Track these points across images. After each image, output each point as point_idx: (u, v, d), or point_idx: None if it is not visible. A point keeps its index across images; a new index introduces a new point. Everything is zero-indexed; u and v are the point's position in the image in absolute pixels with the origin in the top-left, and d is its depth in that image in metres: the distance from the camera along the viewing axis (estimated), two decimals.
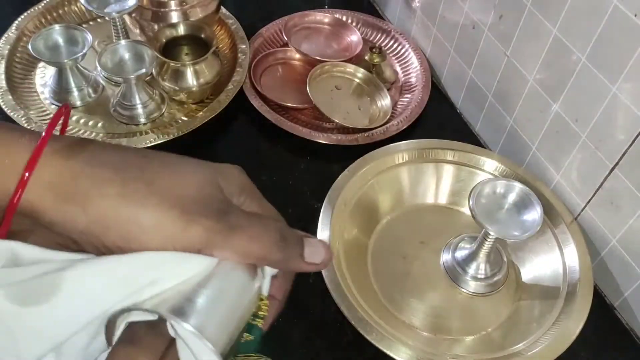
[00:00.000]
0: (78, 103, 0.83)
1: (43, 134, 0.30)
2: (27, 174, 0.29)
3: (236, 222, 0.32)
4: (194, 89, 0.82)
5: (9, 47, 0.85)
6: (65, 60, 0.78)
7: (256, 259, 0.32)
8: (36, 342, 0.28)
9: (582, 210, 0.69)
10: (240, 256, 0.32)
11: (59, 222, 0.30)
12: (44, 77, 0.86)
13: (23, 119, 0.77)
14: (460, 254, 0.69)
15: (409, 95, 0.90)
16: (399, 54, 0.95)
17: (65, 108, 0.34)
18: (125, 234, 0.30)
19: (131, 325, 0.30)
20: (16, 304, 0.28)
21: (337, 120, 0.82)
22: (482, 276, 0.68)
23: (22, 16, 0.88)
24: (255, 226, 0.33)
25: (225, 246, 0.31)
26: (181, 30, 0.82)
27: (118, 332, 0.30)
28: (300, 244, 0.35)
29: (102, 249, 0.30)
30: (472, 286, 0.68)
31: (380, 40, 0.97)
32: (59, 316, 0.28)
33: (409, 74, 0.92)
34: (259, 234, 0.32)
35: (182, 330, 0.29)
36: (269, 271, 0.35)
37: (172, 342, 0.30)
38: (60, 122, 0.35)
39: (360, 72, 0.89)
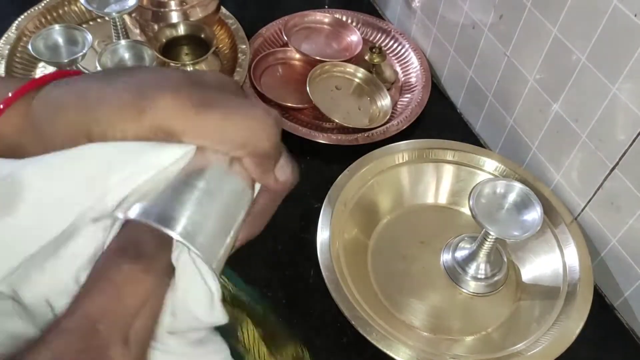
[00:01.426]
0: None
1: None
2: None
3: (209, 100, 0.26)
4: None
5: (9, 47, 0.85)
6: (65, 60, 0.78)
7: (237, 146, 0.27)
8: (6, 255, 0.26)
9: (582, 210, 0.69)
10: (216, 142, 0.27)
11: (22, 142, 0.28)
12: None
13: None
14: (460, 254, 0.69)
15: (409, 95, 0.90)
16: (399, 54, 0.95)
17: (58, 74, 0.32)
18: (82, 132, 0.27)
19: (134, 228, 0.26)
20: None
21: (337, 120, 0.82)
22: (482, 276, 0.68)
23: (22, 16, 0.88)
24: (233, 106, 0.27)
25: (195, 129, 0.26)
26: (181, 30, 0.82)
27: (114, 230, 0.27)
28: (280, 150, 0.30)
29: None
30: (472, 286, 0.68)
31: (380, 40, 0.97)
32: (27, 226, 0.26)
33: (409, 74, 0.92)
34: (242, 113, 0.27)
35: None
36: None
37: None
38: None
39: (360, 72, 0.89)
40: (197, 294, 0.27)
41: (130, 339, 0.25)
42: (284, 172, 0.31)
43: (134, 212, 0.26)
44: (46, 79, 0.29)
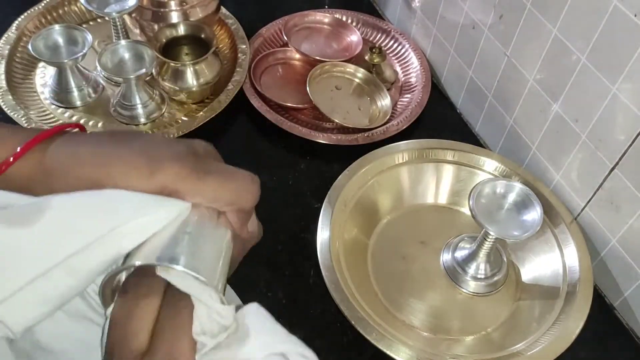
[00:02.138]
0: (78, 103, 0.83)
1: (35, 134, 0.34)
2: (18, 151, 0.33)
3: (207, 168, 0.33)
4: (194, 89, 0.82)
5: (9, 47, 0.85)
6: (65, 60, 0.78)
7: (226, 203, 0.34)
8: (17, 267, 0.28)
9: (582, 210, 0.69)
10: (210, 200, 0.33)
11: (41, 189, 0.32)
12: (44, 77, 0.86)
13: (23, 119, 0.77)
14: (460, 254, 0.69)
15: (409, 95, 0.90)
16: (399, 54, 0.95)
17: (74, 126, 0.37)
18: (94, 184, 0.31)
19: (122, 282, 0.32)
20: (2, 223, 0.29)
21: (337, 120, 0.82)
22: (482, 276, 0.68)
23: (22, 16, 0.88)
24: (226, 172, 0.34)
25: (195, 190, 0.32)
26: (181, 30, 0.83)
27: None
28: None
29: None
30: (472, 286, 0.68)
31: (380, 40, 0.97)
32: (41, 241, 0.29)
33: (409, 74, 0.92)
34: (231, 179, 0.34)
35: (176, 275, 0.30)
36: None
37: (168, 286, 0.31)
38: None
39: (360, 72, 0.89)
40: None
41: (147, 355, 0.29)
42: (253, 226, 0.37)
43: (142, 258, 0.30)
44: (52, 132, 0.34)
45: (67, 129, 0.35)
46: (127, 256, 0.31)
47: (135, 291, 0.31)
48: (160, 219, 0.31)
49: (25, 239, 0.28)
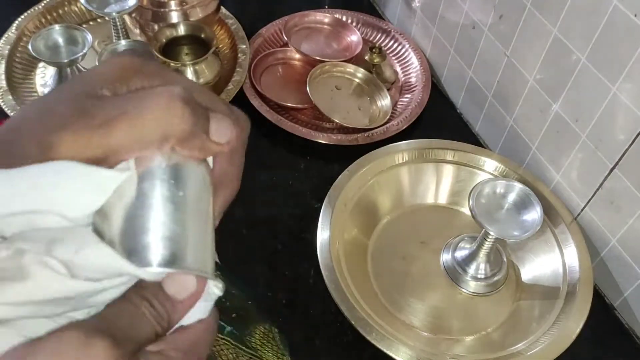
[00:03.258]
0: None
1: None
2: None
3: (108, 111, 0.25)
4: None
5: (9, 47, 0.85)
6: (66, 61, 0.78)
7: (158, 141, 0.25)
8: None
9: (582, 210, 0.69)
10: (137, 148, 0.25)
11: None
12: (44, 77, 0.86)
13: None
14: (460, 254, 0.69)
15: (409, 95, 0.90)
16: (399, 54, 0.95)
17: None
18: None
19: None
20: None
21: (337, 120, 0.82)
22: (482, 276, 0.68)
23: (22, 16, 0.88)
24: (139, 101, 0.25)
25: (108, 147, 0.24)
26: (181, 30, 0.82)
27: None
28: (205, 116, 0.27)
29: None
30: (472, 286, 0.68)
31: (380, 40, 0.97)
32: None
33: (409, 74, 0.92)
34: (143, 111, 0.25)
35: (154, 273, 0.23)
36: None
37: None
38: None
39: (360, 72, 0.89)
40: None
41: None
42: (223, 133, 0.27)
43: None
44: None
45: None
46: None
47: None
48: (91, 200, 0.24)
49: None
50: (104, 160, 0.25)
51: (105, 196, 0.24)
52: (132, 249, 0.23)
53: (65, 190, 0.24)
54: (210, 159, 0.29)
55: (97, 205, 0.24)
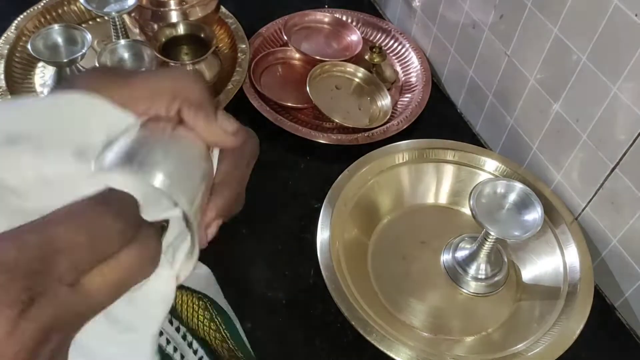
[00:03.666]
0: None
1: None
2: None
3: (128, 73, 0.29)
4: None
5: (8, 46, 0.85)
6: (65, 60, 0.78)
7: (169, 98, 0.28)
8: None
9: (583, 210, 0.69)
10: (148, 102, 0.28)
11: None
12: (43, 76, 0.85)
13: None
14: (461, 254, 0.69)
15: (409, 95, 0.89)
16: (399, 54, 0.95)
17: None
18: None
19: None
20: None
21: (337, 120, 0.82)
22: (483, 276, 0.68)
23: (22, 16, 0.88)
24: (160, 71, 0.29)
25: (124, 97, 0.27)
26: (181, 29, 0.82)
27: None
28: (214, 105, 0.30)
29: None
30: (472, 286, 0.68)
31: (381, 40, 0.97)
32: (40, 208, 0.25)
33: (409, 73, 0.92)
34: (160, 73, 0.29)
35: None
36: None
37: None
38: None
39: (360, 72, 0.89)
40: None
41: (84, 285, 0.24)
42: (230, 124, 0.30)
43: (111, 160, 0.26)
44: None
45: None
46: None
47: (121, 221, 0.25)
48: (97, 127, 0.27)
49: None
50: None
51: (114, 131, 0.27)
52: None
53: (81, 118, 0.27)
54: (215, 161, 0.31)
55: (103, 137, 0.26)
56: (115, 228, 0.24)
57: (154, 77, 0.29)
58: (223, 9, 0.93)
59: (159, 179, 0.26)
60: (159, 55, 0.78)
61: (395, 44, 0.96)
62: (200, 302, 0.44)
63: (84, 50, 0.78)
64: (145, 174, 0.26)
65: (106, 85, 0.27)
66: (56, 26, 0.79)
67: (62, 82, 0.28)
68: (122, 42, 0.78)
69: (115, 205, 0.25)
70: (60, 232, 0.23)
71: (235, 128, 0.31)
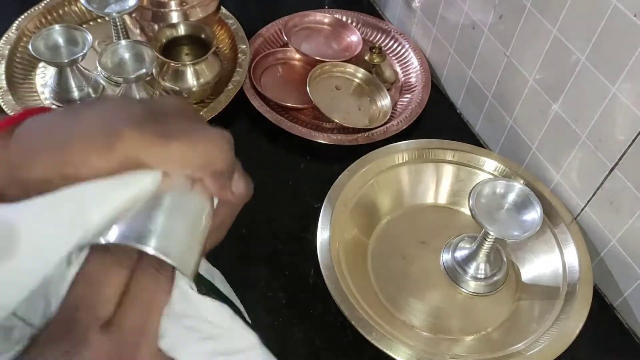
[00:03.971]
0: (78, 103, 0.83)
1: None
2: None
3: (170, 130, 0.30)
4: (194, 89, 0.82)
5: (9, 47, 0.85)
6: (66, 61, 0.78)
7: (198, 167, 0.31)
8: (12, 293, 0.29)
9: (582, 210, 0.69)
10: (179, 166, 0.30)
11: None
12: (44, 77, 0.86)
13: None
14: (460, 254, 0.69)
15: (409, 95, 0.90)
16: (399, 54, 0.95)
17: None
18: (57, 173, 0.29)
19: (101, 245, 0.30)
20: None
21: (337, 120, 0.82)
22: (482, 276, 0.68)
23: (23, 16, 0.88)
24: (192, 133, 0.30)
25: (160, 158, 0.29)
26: (181, 30, 0.83)
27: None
28: (235, 166, 0.33)
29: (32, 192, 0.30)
30: (472, 286, 0.68)
31: (380, 41, 0.97)
32: (27, 268, 0.28)
33: (409, 74, 0.93)
34: (198, 140, 0.30)
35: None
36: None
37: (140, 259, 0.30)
38: None
39: (360, 72, 0.89)
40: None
41: (113, 325, 0.27)
42: (239, 186, 0.34)
43: (112, 236, 0.29)
44: (17, 119, 0.32)
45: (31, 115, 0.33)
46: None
47: (112, 256, 0.29)
48: (129, 198, 0.29)
49: (8, 269, 0.28)
50: (137, 165, 0.29)
51: (140, 191, 0.29)
52: (138, 233, 0.29)
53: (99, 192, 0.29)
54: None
55: (135, 195, 0.29)
56: (119, 274, 0.28)
57: (190, 143, 0.30)
58: (223, 9, 0.93)
59: (153, 245, 0.29)
60: (159, 56, 0.78)
61: (395, 45, 0.96)
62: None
63: (84, 51, 0.78)
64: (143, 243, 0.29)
65: (146, 146, 0.29)
66: (57, 27, 0.79)
67: (108, 119, 0.30)
68: (123, 42, 0.79)
69: (109, 251, 0.29)
70: (73, 297, 0.28)
71: (245, 190, 0.34)
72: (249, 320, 0.48)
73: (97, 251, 0.29)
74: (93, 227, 0.29)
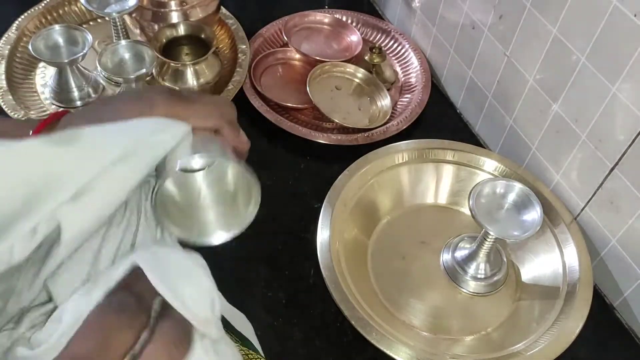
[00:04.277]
0: (78, 103, 0.83)
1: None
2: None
3: (190, 97, 0.41)
4: (194, 89, 0.82)
5: (9, 47, 0.85)
6: (66, 61, 0.78)
7: (217, 117, 0.41)
8: (63, 185, 0.32)
9: (582, 210, 0.69)
10: (203, 119, 0.40)
11: None
12: (44, 77, 0.86)
13: (23, 119, 0.77)
14: (460, 254, 0.69)
15: (409, 96, 0.90)
16: (399, 54, 0.95)
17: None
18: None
19: (131, 281, 0.32)
20: (50, 144, 0.33)
21: (337, 120, 0.82)
22: (482, 276, 0.68)
23: (23, 16, 0.88)
24: (205, 97, 0.42)
25: (188, 114, 0.40)
26: (181, 30, 0.83)
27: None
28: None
29: None
30: (471, 286, 0.68)
31: (380, 41, 0.97)
32: (81, 156, 0.33)
33: (409, 74, 0.93)
34: (211, 100, 0.42)
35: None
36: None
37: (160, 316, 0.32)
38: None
39: (360, 72, 0.89)
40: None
41: None
42: (244, 136, 0.45)
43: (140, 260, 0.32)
44: (61, 114, 0.40)
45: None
46: (157, 170, 0.39)
47: (126, 317, 0.31)
48: (173, 135, 0.37)
49: (67, 155, 0.33)
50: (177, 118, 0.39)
51: (175, 140, 0.37)
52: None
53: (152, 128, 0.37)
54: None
55: (169, 146, 0.37)
56: (129, 333, 0.30)
57: (207, 103, 0.41)
58: (223, 9, 0.93)
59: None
60: (159, 56, 0.78)
61: (395, 45, 0.96)
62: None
63: (84, 51, 0.78)
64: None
65: (176, 108, 0.39)
66: (57, 27, 0.79)
67: (140, 95, 0.43)
68: (123, 42, 0.79)
69: (126, 310, 0.31)
70: (83, 350, 0.29)
71: (246, 139, 0.45)
72: (262, 354, 0.50)
73: (110, 307, 0.31)
74: (163, 146, 0.36)
